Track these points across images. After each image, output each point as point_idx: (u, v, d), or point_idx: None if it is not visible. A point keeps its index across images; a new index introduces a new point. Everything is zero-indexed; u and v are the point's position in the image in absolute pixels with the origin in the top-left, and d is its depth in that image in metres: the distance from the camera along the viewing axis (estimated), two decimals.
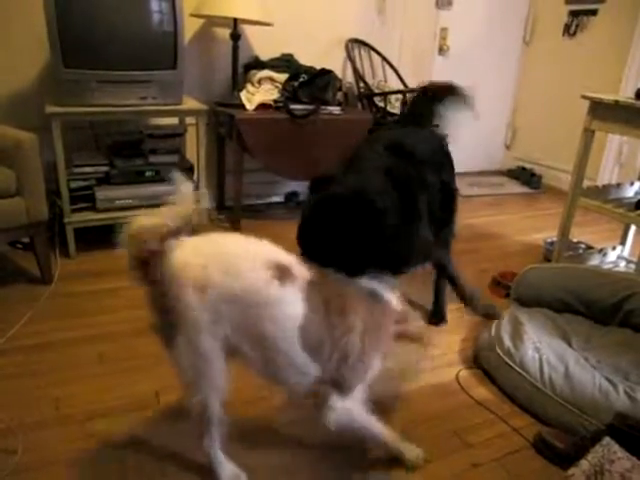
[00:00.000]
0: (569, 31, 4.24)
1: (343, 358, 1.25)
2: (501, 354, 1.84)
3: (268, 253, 1.23)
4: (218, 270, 1.14)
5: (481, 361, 1.93)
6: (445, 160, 1.94)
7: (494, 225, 3.45)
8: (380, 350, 1.33)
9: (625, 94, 3.47)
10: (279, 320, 1.18)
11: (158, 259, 1.15)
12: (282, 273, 1.18)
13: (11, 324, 1.98)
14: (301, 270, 1.24)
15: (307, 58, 3.31)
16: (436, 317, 2.21)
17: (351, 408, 1.31)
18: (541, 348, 1.81)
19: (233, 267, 1.15)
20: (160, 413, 1.60)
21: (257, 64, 3.19)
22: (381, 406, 1.69)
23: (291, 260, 1.24)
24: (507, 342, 1.87)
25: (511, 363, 1.80)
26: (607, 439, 1.23)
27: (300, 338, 1.19)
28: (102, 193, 2.59)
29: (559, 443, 1.49)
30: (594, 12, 4.03)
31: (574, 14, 4.17)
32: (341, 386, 1.29)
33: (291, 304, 1.19)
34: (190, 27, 3.02)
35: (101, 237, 2.75)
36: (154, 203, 2.69)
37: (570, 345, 1.87)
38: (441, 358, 1.98)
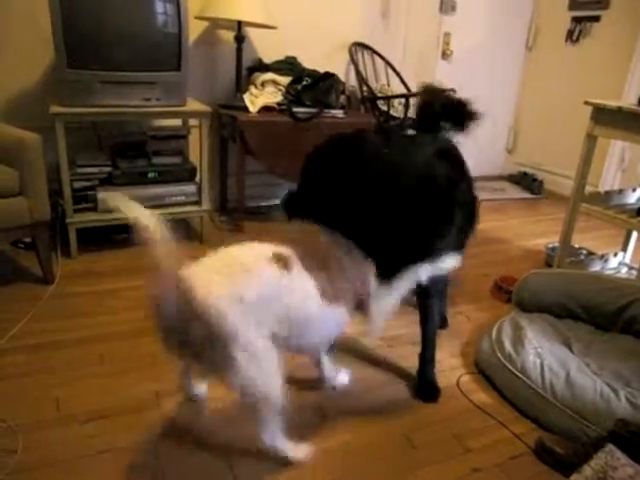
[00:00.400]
0: (572, 37, 4.25)
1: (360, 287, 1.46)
2: (502, 359, 1.84)
3: (264, 249, 1.32)
4: (238, 278, 1.21)
5: (482, 366, 1.93)
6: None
7: (496, 230, 3.45)
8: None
9: (628, 100, 3.47)
10: (303, 303, 1.31)
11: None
12: (284, 262, 1.29)
13: (12, 323, 1.98)
14: (289, 251, 1.34)
15: (311, 61, 3.32)
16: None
17: (387, 298, 1.50)
18: (542, 353, 1.81)
19: (248, 272, 1.23)
20: (160, 414, 1.59)
21: (261, 67, 3.20)
22: (381, 410, 1.69)
23: (280, 248, 1.34)
24: (508, 347, 1.87)
25: (512, 368, 1.79)
26: (610, 446, 1.23)
27: (323, 303, 1.35)
28: (104, 194, 2.59)
29: (560, 449, 1.49)
30: (597, 18, 4.04)
31: (577, 20, 4.18)
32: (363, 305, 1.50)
33: (303, 284, 1.32)
34: (194, 29, 3.03)
35: (103, 238, 2.76)
36: (157, 204, 2.74)
37: (571, 351, 1.87)
38: (442, 362, 1.97)
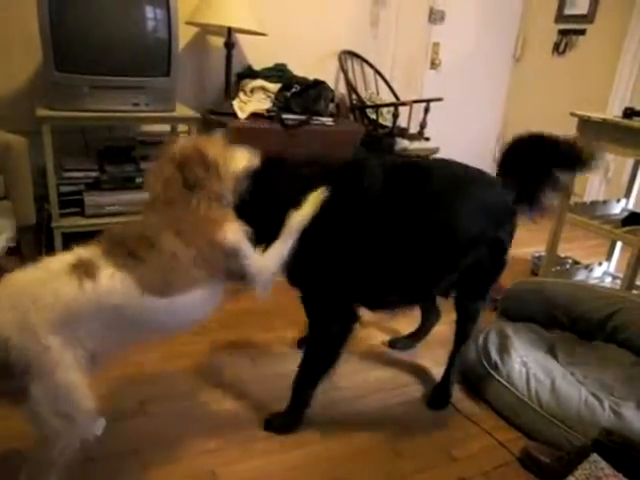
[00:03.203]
0: (558, 49, 4.31)
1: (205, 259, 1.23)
2: (488, 368, 1.85)
3: (60, 264, 1.14)
4: (31, 315, 1.04)
5: (468, 374, 1.94)
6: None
7: None
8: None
9: (612, 112, 3.52)
10: (123, 306, 1.14)
11: None
12: (86, 269, 1.13)
13: None
14: (94, 250, 1.20)
15: (300, 69, 3.32)
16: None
17: (266, 263, 1.34)
18: (528, 362, 1.82)
19: (37, 302, 1.06)
20: (145, 423, 1.58)
21: (250, 73, 3.20)
22: (368, 418, 1.69)
23: (82, 252, 1.20)
24: (494, 356, 1.88)
25: (498, 377, 1.80)
26: (594, 455, 1.24)
27: (150, 294, 1.17)
28: (91, 198, 2.56)
29: (545, 458, 1.50)
30: (583, 32, 4.11)
31: (563, 33, 4.25)
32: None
33: (116, 285, 1.14)
34: (184, 35, 3.02)
35: (89, 242, 2.73)
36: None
37: (556, 360, 1.88)
38: (427, 371, 1.98)
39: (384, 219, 1.45)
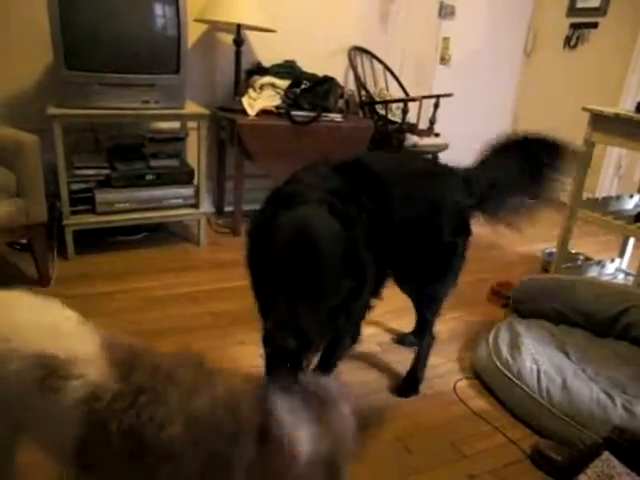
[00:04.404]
0: (570, 43, 4.26)
1: None
2: (499, 365, 1.84)
3: (42, 338, 0.91)
4: None
5: (479, 371, 1.93)
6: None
7: (493, 235, 3.45)
8: None
9: (625, 107, 3.48)
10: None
11: None
12: (59, 374, 0.87)
13: None
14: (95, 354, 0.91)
15: (309, 65, 3.32)
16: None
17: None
18: (539, 359, 1.81)
19: None
20: None
21: (259, 70, 3.20)
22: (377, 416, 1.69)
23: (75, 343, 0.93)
24: (505, 353, 1.87)
25: (509, 374, 1.79)
26: (606, 454, 1.23)
27: None
28: (102, 196, 2.58)
29: (556, 455, 1.49)
30: (595, 25, 4.06)
31: (575, 27, 4.20)
32: None
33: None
34: (194, 32, 3.03)
35: (100, 240, 2.75)
36: (154, 207, 2.75)
37: (568, 357, 1.87)
38: (439, 367, 1.97)
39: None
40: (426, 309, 1.77)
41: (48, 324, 0.95)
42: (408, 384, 1.83)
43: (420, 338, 1.86)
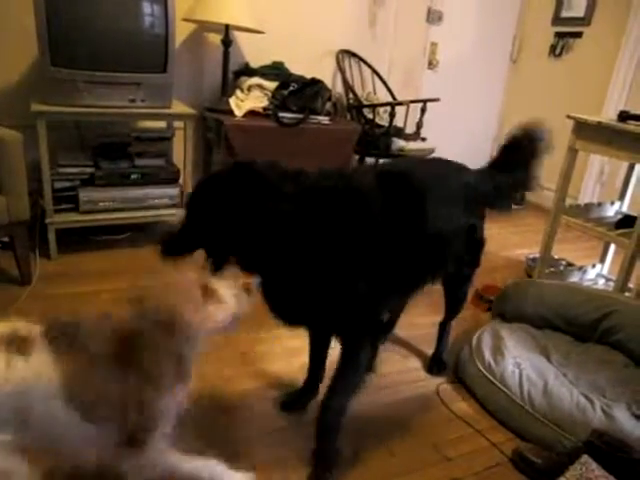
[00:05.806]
0: (555, 52, 4.32)
1: (134, 410, 1.05)
2: (481, 368, 1.85)
3: None
4: None
5: (462, 375, 1.94)
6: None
7: None
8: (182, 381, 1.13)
9: (608, 115, 3.54)
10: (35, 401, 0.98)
11: None
12: (18, 345, 0.99)
13: None
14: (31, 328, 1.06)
15: (298, 67, 3.32)
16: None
17: (154, 460, 1.12)
18: (521, 363, 1.83)
19: None
20: None
21: (247, 71, 3.19)
22: (360, 419, 1.69)
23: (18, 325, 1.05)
24: (488, 357, 1.88)
25: (491, 378, 1.81)
26: (585, 457, 1.25)
27: (67, 404, 1.00)
28: (86, 194, 2.55)
29: (537, 459, 1.50)
30: (579, 35, 4.12)
31: (560, 35, 4.26)
32: (136, 441, 1.08)
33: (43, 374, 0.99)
34: (182, 31, 3.01)
35: (83, 239, 2.72)
36: (138, 206, 2.72)
37: (549, 361, 1.89)
38: (421, 371, 1.98)
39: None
40: (463, 288, 1.93)
41: None
42: (438, 362, 1.99)
43: (446, 321, 2.02)
